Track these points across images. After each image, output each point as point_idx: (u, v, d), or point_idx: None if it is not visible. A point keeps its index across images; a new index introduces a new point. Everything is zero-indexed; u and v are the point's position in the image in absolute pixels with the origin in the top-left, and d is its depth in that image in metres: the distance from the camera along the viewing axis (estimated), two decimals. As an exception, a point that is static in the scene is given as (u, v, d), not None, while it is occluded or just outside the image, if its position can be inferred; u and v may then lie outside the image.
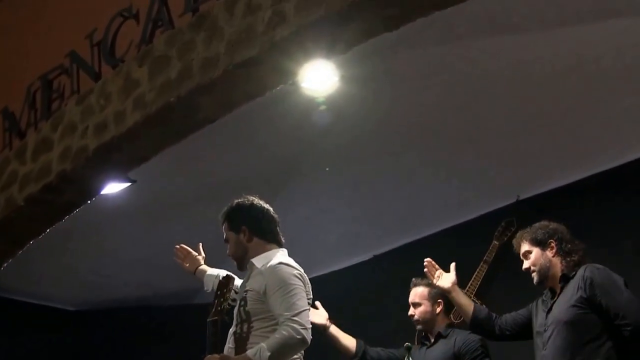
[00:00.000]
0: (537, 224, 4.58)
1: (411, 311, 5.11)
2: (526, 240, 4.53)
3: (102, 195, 5.17)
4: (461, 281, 6.39)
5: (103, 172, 4.67)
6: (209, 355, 3.70)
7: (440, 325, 5.09)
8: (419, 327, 5.13)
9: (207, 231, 7.18)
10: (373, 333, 5.99)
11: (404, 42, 4.62)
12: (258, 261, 3.95)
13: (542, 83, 5.35)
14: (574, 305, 4.24)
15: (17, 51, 5.32)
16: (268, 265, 3.87)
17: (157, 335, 7.27)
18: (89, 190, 4.84)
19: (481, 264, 6.23)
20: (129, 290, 8.25)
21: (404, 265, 6.72)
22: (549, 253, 4.44)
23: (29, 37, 5.25)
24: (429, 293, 5.08)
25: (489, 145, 6.00)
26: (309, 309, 3.83)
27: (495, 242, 6.13)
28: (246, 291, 3.90)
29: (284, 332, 3.65)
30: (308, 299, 3.85)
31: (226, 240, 4.06)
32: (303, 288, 3.81)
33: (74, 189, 4.78)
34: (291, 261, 3.91)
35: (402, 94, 5.49)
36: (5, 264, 5.40)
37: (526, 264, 4.49)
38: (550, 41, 4.96)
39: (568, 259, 4.41)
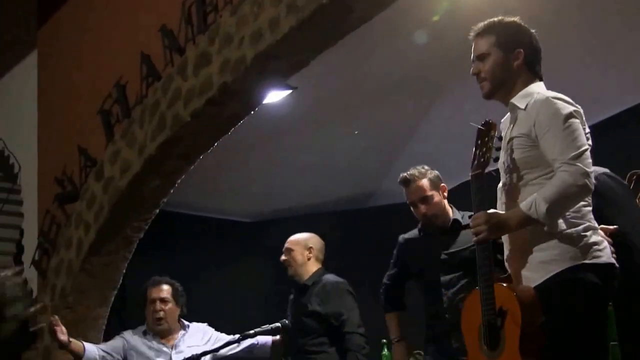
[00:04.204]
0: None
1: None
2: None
3: (265, 105, 5.16)
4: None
5: (263, 81, 4.64)
6: (476, 214, 3.30)
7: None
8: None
9: (372, 132, 7.20)
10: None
11: None
12: (520, 100, 3.39)
13: None
14: None
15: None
16: (534, 100, 3.35)
17: (333, 240, 7.35)
18: (251, 100, 4.83)
19: None
20: (300, 198, 8.36)
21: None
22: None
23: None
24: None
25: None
26: (589, 148, 3.22)
27: None
28: (511, 139, 3.38)
29: (561, 180, 3.15)
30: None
31: (482, 57, 3.46)
32: (582, 127, 3.25)
33: (236, 100, 4.79)
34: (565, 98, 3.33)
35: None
36: (179, 180, 5.51)
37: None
38: None
39: None
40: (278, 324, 4.89)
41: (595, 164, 3.28)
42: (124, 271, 5.91)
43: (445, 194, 4.75)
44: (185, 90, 4.92)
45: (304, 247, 5.59)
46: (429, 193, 4.65)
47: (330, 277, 5.52)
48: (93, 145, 5.82)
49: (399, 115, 6.92)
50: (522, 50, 3.44)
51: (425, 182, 4.66)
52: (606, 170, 3.94)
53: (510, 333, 3.15)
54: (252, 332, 4.81)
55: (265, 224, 8.74)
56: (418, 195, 4.66)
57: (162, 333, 5.43)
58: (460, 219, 4.74)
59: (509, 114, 3.54)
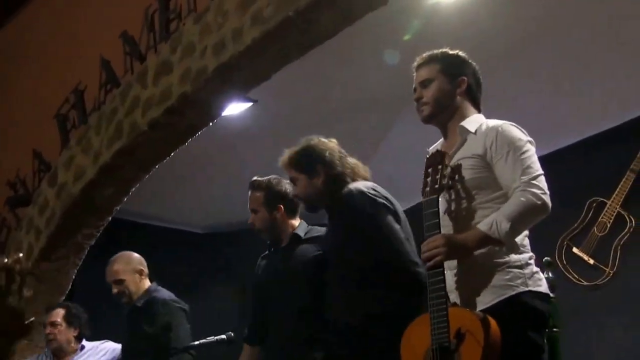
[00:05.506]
0: None
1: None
2: None
3: (224, 116, 5.11)
4: (606, 192, 6.02)
5: (223, 92, 4.59)
6: (432, 237, 3.22)
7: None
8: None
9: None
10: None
11: None
12: (470, 124, 3.44)
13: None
14: None
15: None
16: (488, 126, 3.40)
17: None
18: (211, 111, 4.78)
19: (628, 173, 5.92)
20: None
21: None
22: None
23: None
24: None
25: (634, 42, 5.51)
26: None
27: None
28: (460, 160, 3.39)
29: (522, 199, 3.18)
30: None
31: (426, 83, 3.50)
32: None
33: (195, 111, 4.73)
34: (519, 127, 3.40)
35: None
36: (133, 189, 5.44)
37: None
38: None
39: None
40: (223, 336, 4.83)
41: (556, 191, 3.31)
42: (74, 277, 5.84)
43: (279, 214, 4.63)
44: (144, 99, 4.86)
45: (133, 271, 5.41)
46: (258, 207, 4.65)
47: (160, 294, 5.35)
48: (48, 150, 5.74)
49: (359, 134, 6.90)
50: (465, 78, 3.52)
51: (258, 195, 4.64)
52: None
53: (469, 353, 3.14)
54: (196, 343, 4.77)
55: (219, 236, 8.68)
56: (251, 206, 4.67)
57: (55, 353, 5.59)
58: (302, 234, 4.70)
59: (440, 141, 3.60)
